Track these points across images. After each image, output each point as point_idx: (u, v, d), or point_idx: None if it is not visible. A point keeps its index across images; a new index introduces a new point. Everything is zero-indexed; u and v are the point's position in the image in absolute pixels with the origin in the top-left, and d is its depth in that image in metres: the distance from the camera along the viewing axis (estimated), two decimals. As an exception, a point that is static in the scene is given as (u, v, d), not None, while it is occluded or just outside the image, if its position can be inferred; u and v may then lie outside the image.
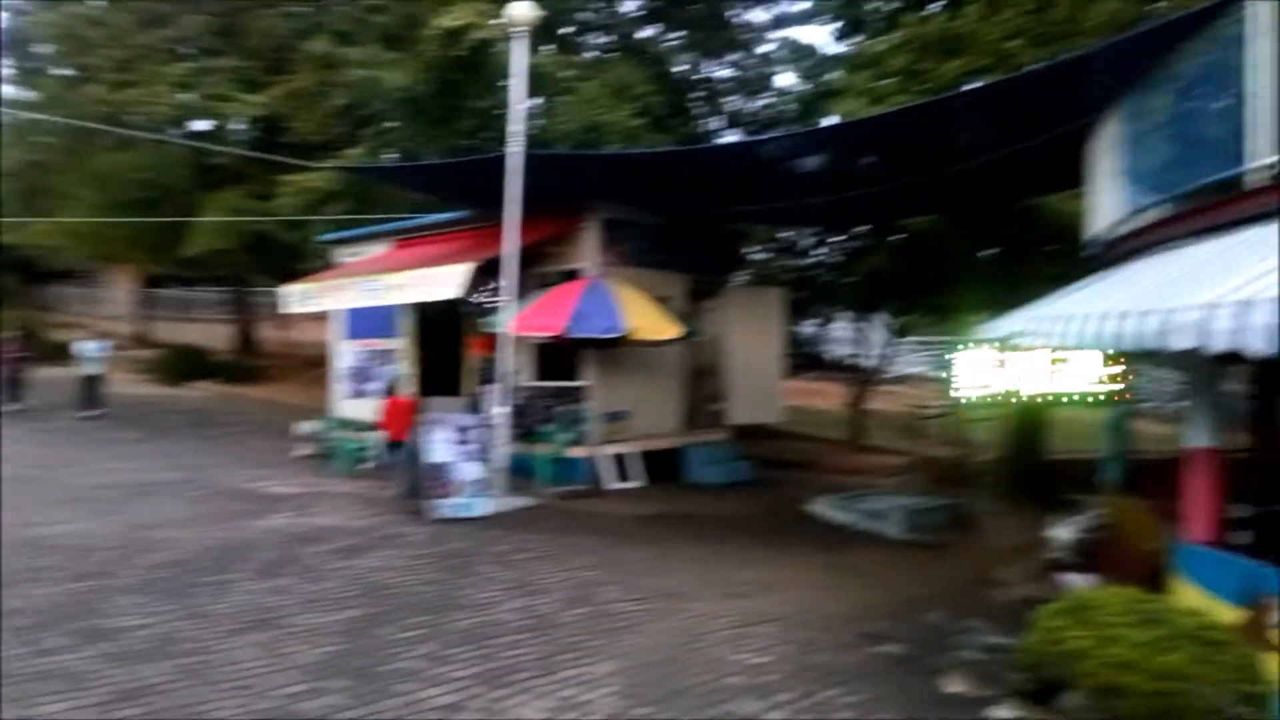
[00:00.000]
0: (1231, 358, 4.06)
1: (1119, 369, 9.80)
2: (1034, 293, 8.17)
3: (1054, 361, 9.85)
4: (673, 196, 12.88)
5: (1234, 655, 4.07)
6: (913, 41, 11.22)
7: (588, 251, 12.81)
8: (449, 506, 9.70)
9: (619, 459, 12.80)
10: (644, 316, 11.52)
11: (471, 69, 15.52)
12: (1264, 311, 3.82)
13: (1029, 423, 13.75)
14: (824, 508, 12.07)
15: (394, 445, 11.62)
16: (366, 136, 17.94)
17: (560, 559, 8.23)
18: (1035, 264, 11.97)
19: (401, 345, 15.06)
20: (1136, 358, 9.43)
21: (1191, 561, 5.99)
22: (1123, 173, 7.41)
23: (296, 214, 17.38)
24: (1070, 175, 9.18)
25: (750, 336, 14.97)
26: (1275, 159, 5.24)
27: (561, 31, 19.23)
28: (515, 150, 10.52)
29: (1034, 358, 9.86)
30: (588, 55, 19.33)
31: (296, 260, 19.03)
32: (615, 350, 12.39)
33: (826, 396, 21.66)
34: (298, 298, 14.15)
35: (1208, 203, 5.95)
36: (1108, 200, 7.85)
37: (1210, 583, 5.68)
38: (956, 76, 10.84)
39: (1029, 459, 13.94)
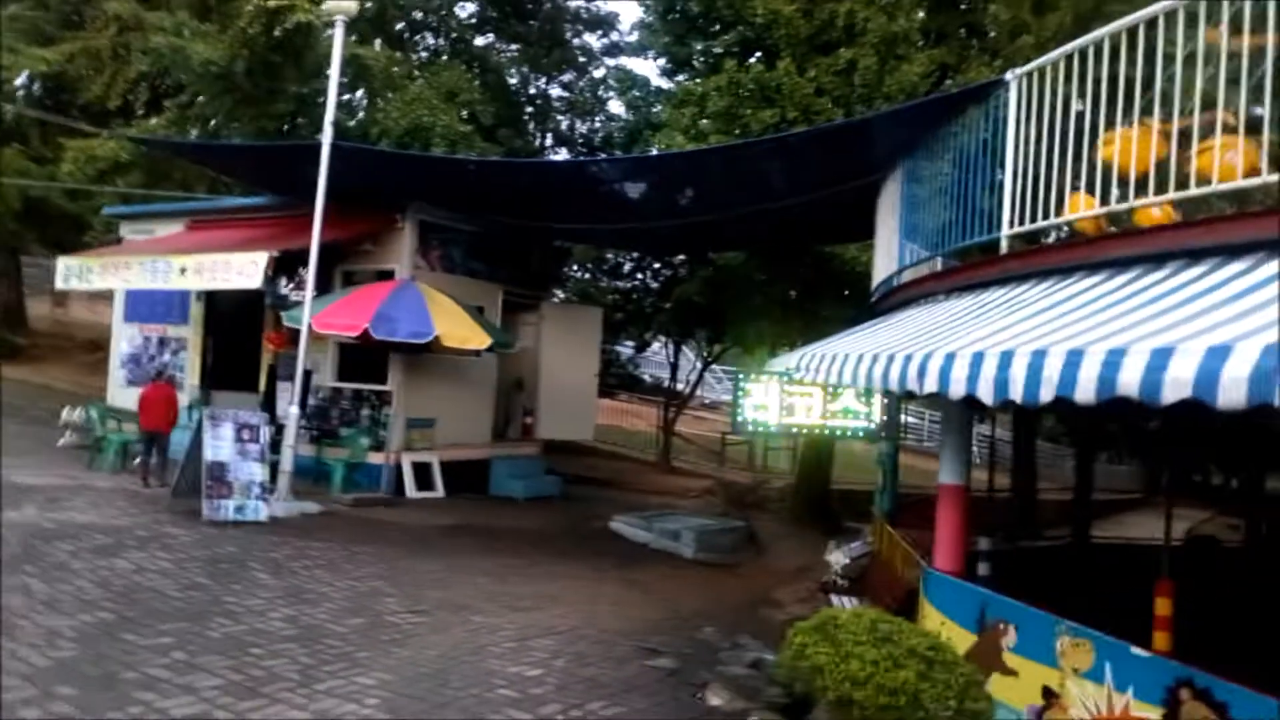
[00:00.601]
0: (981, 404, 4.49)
1: (884, 406, 10.66)
2: (826, 332, 8.80)
3: (829, 397, 10.59)
4: (495, 207, 12.84)
5: (956, 673, 4.52)
6: (732, 87, 11.79)
7: (402, 253, 12.50)
8: (226, 508, 9.12)
9: (421, 468, 12.51)
10: (455, 324, 11.37)
11: (291, 52, 14.83)
12: (990, 364, 4.30)
13: (817, 453, 14.66)
14: (624, 525, 12.32)
15: (149, 437, 10.69)
16: (169, 108, 16.71)
17: (341, 568, 7.93)
18: (830, 306, 12.83)
19: (190, 334, 14.04)
20: (914, 398, 10.32)
21: (937, 588, 6.58)
22: (901, 229, 8.11)
23: (81, 183, 15.88)
24: (863, 227, 9.95)
25: (566, 353, 15.10)
26: (1019, 229, 5.92)
27: (395, 29, 18.78)
28: (327, 140, 10.14)
29: (811, 392, 10.56)
30: (420, 55, 18.96)
31: (78, 233, 17.36)
32: (424, 356, 12.14)
33: (639, 417, 22.15)
34: (75, 273, 12.92)
35: (966, 263, 6.63)
36: (886, 252, 8.57)
37: (952, 609, 6.26)
38: (768, 125, 11.50)
39: (817, 487, 14.85)
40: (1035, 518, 13.45)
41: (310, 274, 10.47)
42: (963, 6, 13.36)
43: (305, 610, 6.55)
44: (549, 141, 20.02)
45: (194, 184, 16.61)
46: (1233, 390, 3.12)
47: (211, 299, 13.69)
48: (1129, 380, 3.52)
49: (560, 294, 18.97)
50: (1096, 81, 5.22)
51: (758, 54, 12.84)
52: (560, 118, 19.89)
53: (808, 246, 12.98)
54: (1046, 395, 3.98)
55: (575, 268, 19.31)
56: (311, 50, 15.12)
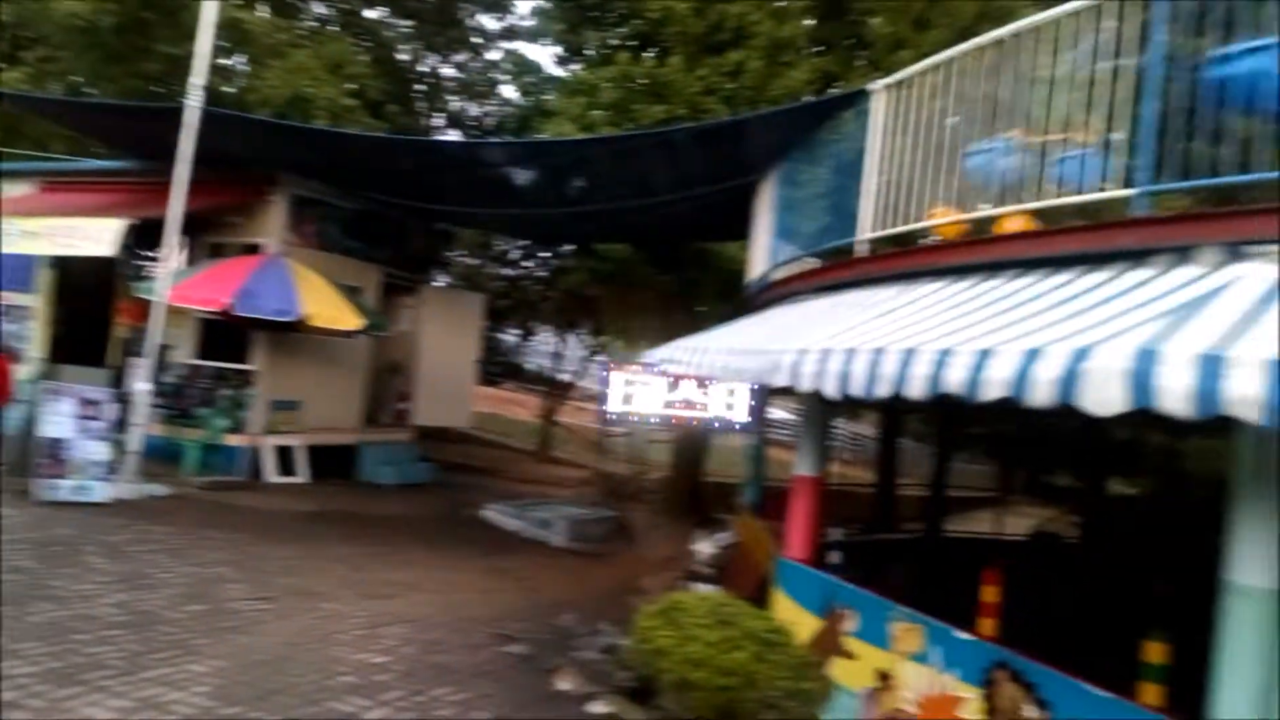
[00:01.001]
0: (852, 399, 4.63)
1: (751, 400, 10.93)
2: (705, 327, 8.94)
3: (700, 388, 10.79)
4: (377, 185, 12.47)
5: (790, 655, 4.67)
6: (624, 79, 11.83)
7: (272, 227, 11.99)
8: (62, 488, 8.55)
9: (283, 451, 12.05)
10: (325, 303, 10.99)
11: (164, 9, 14.01)
12: (837, 360, 4.46)
13: (692, 446, 14.89)
14: (497, 514, 12.20)
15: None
16: (27, 61, 15.51)
17: (185, 553, 7.56)
18: (709, 301, 13.05)
19: (35, 302, 13.08)
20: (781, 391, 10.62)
21: (788, 576, 6.79)
22: (773, 229, 8.33)
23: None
24: (743, 226, 10.15)
25: (445, 338, 14.83)
26: (879, 234, 6.15)
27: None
28: (194, 104, 9.62)
29: (683, 384, 10.73)
30: (306, 23, 18.22)
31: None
32: (292, 335, 11.68)
33: (522, 406, 22.00)
34: (-98, 231, 11.82)
35: (829, 264, 6.86)
36: (761, 251, 8.78)
37: (800, 595, 6.48)
38: (658, 120, 11.59)
39: (691, 479, 15.08)
40: (894, 511, 14.04)
41: (169, 244, 9.91)
42: (849, 18, 13.78)
43: (141, 596, 6.21)
44: (440, 122, 19.60)
45: (50, 143, 15.46)
46: (1043, 390, 3.34)
47: (65, 267, 12.79)
48: (955, 379, 3.72)
49: (444, 278, 18.62)
50: (958, 95, 5.47)
51: (651, 49, 12.92)
52: (452, 98, 19.50)
53: (690, 242, 13.16)
54: (883, 391, 4.16)
55: (461, 252, 18.98)
56: (187, 9, 14.30)
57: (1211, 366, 2.82)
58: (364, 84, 16.00)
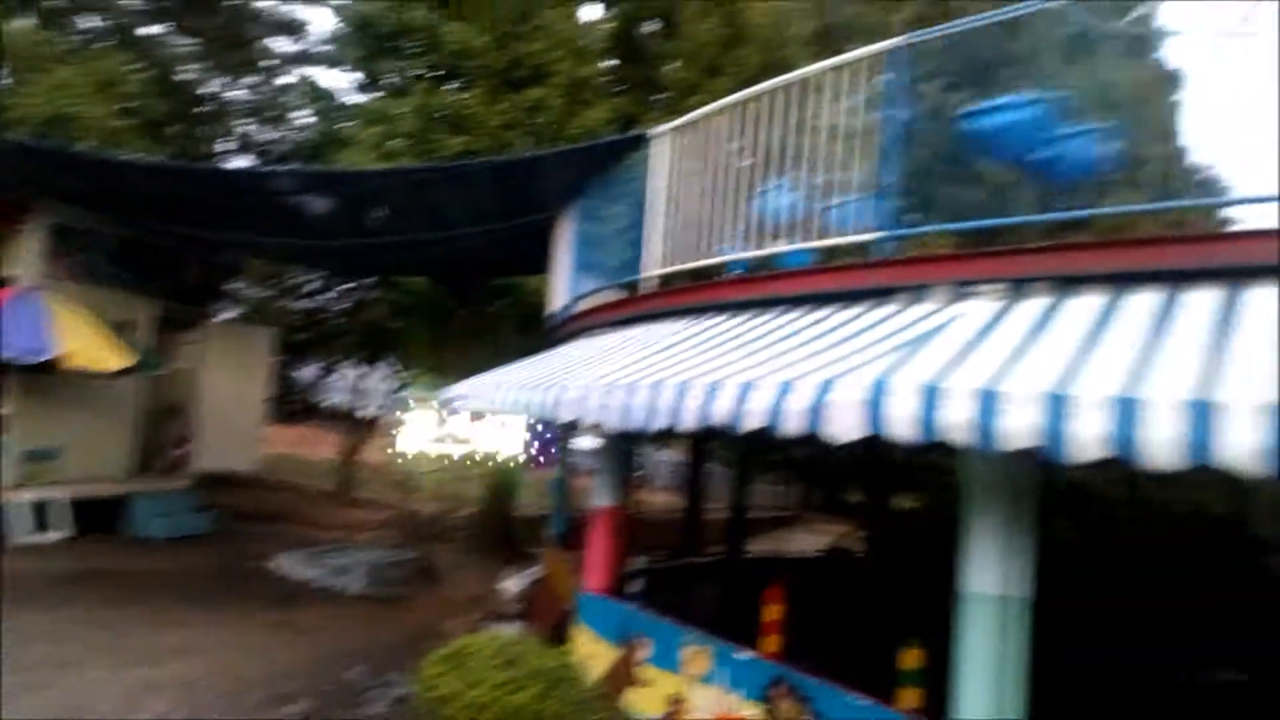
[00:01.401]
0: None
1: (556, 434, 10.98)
2: (507, 361, 8.87)
3: (498, 423, 10.73)
4: (151, 212, 11.54)
5: (577, 691, 4.69)
6: (423, 110, 11.67)
7: (26, 258, 10.82)
8: None
9: (39, 506, 10.80)
10: (87, 341, 10.01)
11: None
12: (619, 395, 4.57)
13: (501, 480, 14.71)
14: (288, 563, 11.48)
15: None
16: None
17: (-92, 628, 6.60)
18: (512, 336, 13.00)
19: None
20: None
21: (588, 609, 6.83)
22: (571, 263, 8.45)
23: None
24: (545, 260, 10.22)
25: (231, 376, 13.89)
26: (664, 271, 6.38)
27: (47, 4, 16.40)
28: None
29: (484, 419, 10.64)
30: (75, 37, 16.70)
31: None
32: (47, 377, 10.54)
33: (321, 445, 20.90)
34: None
35: (619, 300, 7.04)
36: (560, 285, 8.88)
37: (600, 627, 6.52)
38: (459, 151, 11.50)
39: (500, 515, 14.87)
40: (701, 536, 14.48)
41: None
42: (647, 62, 14.31)
43: None
44: (228, 146, 18.45)
45: None
46: (794, 420, 3.56)
47: None
48: (722, 411, 3.91)
49: (231, 311, 17.47)
50: (746, 138, 5.77)
51: (453, 81, 12.83)
52: (241, 122, 18.43)
53: (492, 276, 13.08)
54: (660, 423, 4.30)
55: (249, 284, 17.89)
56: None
57: (931, 397, 3.12)
58: (141, 104, 14.82)
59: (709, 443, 14.91)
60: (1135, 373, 2.88)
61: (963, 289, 4.09)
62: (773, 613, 6.13)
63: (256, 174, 11.78)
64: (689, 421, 4.06)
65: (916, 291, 4.27)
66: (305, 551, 11.96)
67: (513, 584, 10.40)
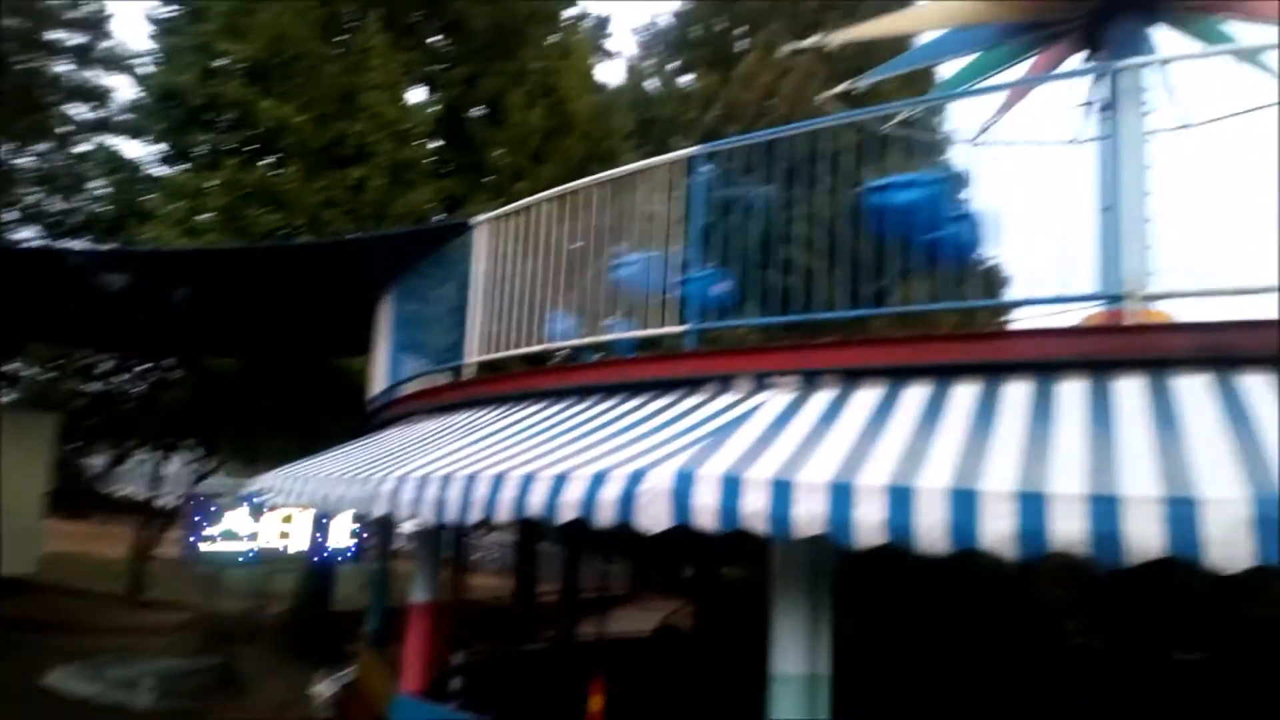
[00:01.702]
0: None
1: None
2: (328, 446, 8.46)
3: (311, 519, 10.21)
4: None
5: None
6: (233, 186, 11.22)
7: None
8: None
9: None
10: None
11: None
12: (433, 488, 4.47)
13: (317, 575, 13.87)
14: (65, 679, 10.24)
15: None
16: None
17: None
18: (334, 419, 12.47)
19: None
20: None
21: (402, 713, 6.50)
22: (392, 345, 8.27)
23: None
24: (367, 341, 9.93)
25: (4, 469, 12.46)
26: (483, 358, 6.36)
27: None
28: None
29: (289, 512, 10.10)
30: None
31: None
32: None
33: (111, 541, 18.97)
34: None
35: (438, 386, 6.94)
36: (381, 368, 8.65)
37: (415, 729, 6.21)
38: (274, 228, 11.10)
39: (314, 611, 13.97)
40: (532, 621, 14.14)
41: None
42: (472, 146, 14.45)
43: None
44: (12, 216, 16.90)
45: None
46: (607, 511, 3.62)
47: None
48: (536, 503, 3.91)
49: (6, 396, 15.77)
50: (575, 224, 5.86)
51: (269, 156, 12.42)
52: (28, 191, 16.98)
53: (311, 356, 12.56)
54: (476, 516, 4.24)
55: (31, 364, 16.26)
56: None
57: (731, 487, 3.27)
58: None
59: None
60: (909, 461, 3.14)
61: (763, 380, 4.34)
62: (595, 704, 6.07)
63: (45, 252, 10.84)
64: (505, 515, 4.04)
65: (723, 381, 4.48)
66: (87, 663, 10.71)
67: (325, 688, 9.73)
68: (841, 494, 2.99)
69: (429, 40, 13.96)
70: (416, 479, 4.62)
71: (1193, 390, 3.34)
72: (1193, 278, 3.69)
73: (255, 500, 9.77)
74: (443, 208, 13.26)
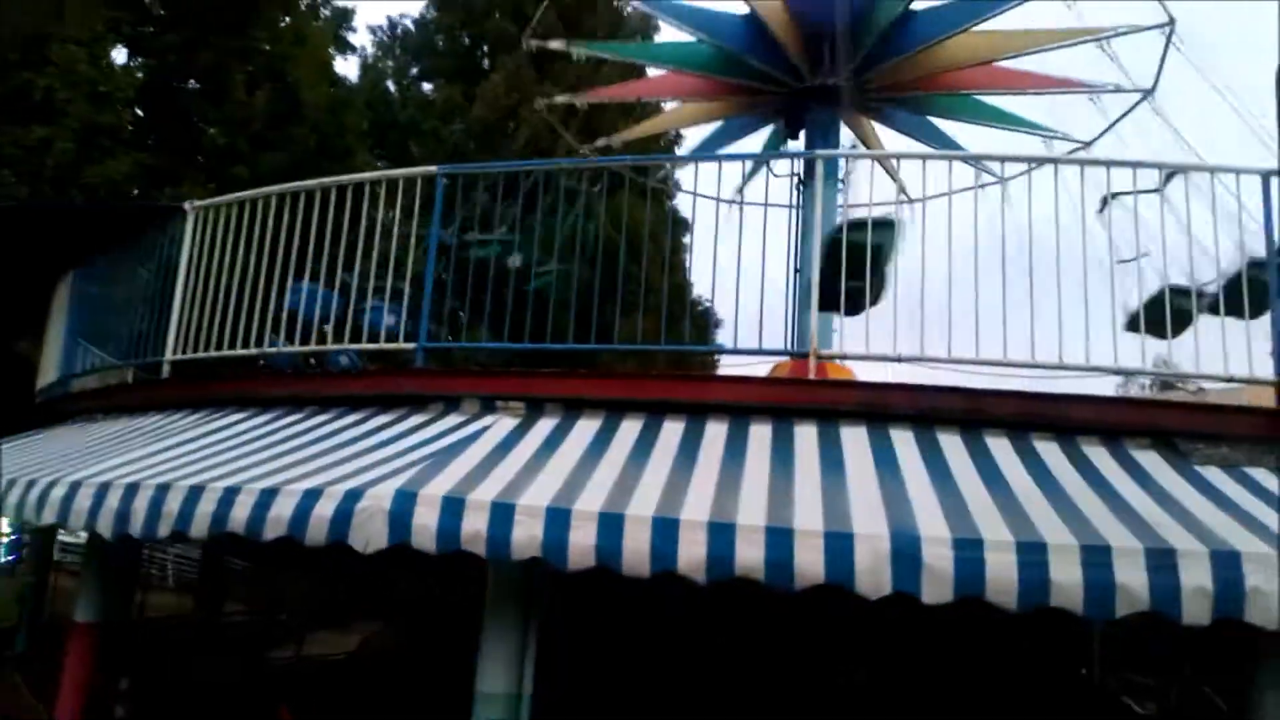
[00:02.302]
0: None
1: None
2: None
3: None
4: None
5: None
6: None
7: None
8: None
9: None
10: None
11: None
12: (115, 496, 4.07)
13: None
14: None
15: None
16: None
17: None
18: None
19: None
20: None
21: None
22: (68, 331, 7.31)
23: None
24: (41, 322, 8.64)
25: None
26: (182, 356, 5.82)
27: None
28: None
29: None
30: None
31: None
32: None
33: None
34: None
35: (129, 384, 6.26)
36: (54, 356, 7.62)
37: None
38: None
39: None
40: (219, 644, 12.96)
41: None
42: (185, 121, 13.18)
43: None
44: None
45: None
46: (320, 529, 3.53)
47: None
48: (240, 518, 3.70)
49: None
50: (289, 230, 5.50)
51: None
52: None
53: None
54: (165, 531, 3.94)
55: None
56: None
57: (454, 508, 3.34)
58: None
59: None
60: (620, 490, 3.40)
61: (490, 403, 4.44)
62: (280, 731, 5.76)
63: None
64: (201, 529, 3.79)
65: (449, 402, 4.53)
66: None
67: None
68: (558, 519, 3.17)
69: (143, -2, 12.60)
70: (94, 486, 4.19)
71: (855, 439, 3.94)
72: (859, 342, 4.34)
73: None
74: (143, 183, 11.93)
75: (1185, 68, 8.72)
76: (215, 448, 4.60)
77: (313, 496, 3.55)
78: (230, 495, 3.73)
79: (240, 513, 3.68)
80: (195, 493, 3.83)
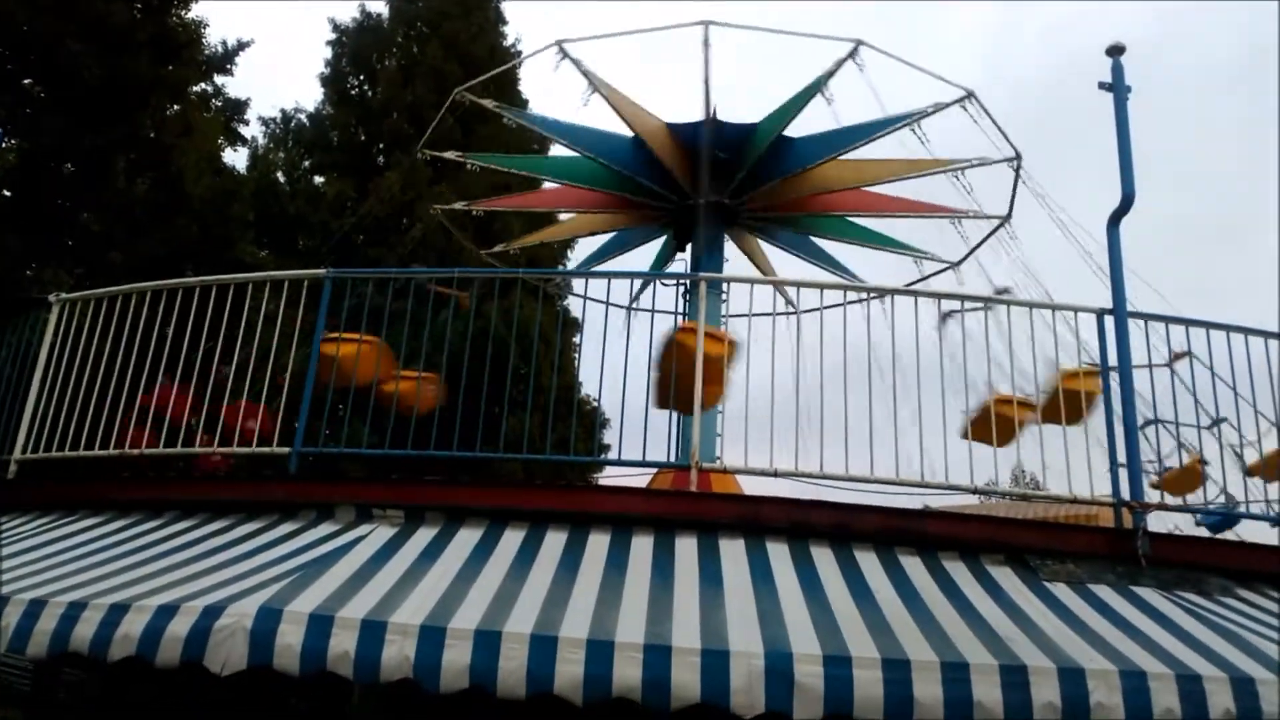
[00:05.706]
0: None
1: None
2: None
3: None
4: None
5: None
6: None
7: None
8: None
9: None
10: None
11: None
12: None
13: None
14: None
15: None
16: None
17: None
18: None
19: None
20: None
21: None
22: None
23: None
24: None
25: None
26: (33, 455, 5.45)
27: None
28: None
29: None
30: None
31: None
32: None
33: None
34: None
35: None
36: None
37: None
38: None
39: None
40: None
41: None
42: (54, 204, 12.59)
43: None
44: None
45: None
46: (172, 649, 3.31)
47: None
48: (84, 636, 3.45)
49: None
50: (139, 326, 5.33)
51: None
52: None
53: None
54: (-3, 650, 3.61)
55: None
56: None
57: (322, 626, 3.20)
58: None
59: None
60: (498, 605, 3.35)
61: (367, 511, 4.33)
62: None
63: None
64: (39, 648, 3.50)
65: (322, 510, 4.39)
66: None
67: None
68: (431, 637, 3.08)
69: (24, 81, 12.16)
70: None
71: (733, 551, 4.02)
72: (738, 456, 4.47)
73: None
74: (5, 264, 11.25)
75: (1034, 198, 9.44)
76: (62, 556, 4.28)
77: (167, 613, 3.34)
78: (74, 611, 3.48)
79: (85, 630, 3.42)
80: (36, 607, 3.55)
